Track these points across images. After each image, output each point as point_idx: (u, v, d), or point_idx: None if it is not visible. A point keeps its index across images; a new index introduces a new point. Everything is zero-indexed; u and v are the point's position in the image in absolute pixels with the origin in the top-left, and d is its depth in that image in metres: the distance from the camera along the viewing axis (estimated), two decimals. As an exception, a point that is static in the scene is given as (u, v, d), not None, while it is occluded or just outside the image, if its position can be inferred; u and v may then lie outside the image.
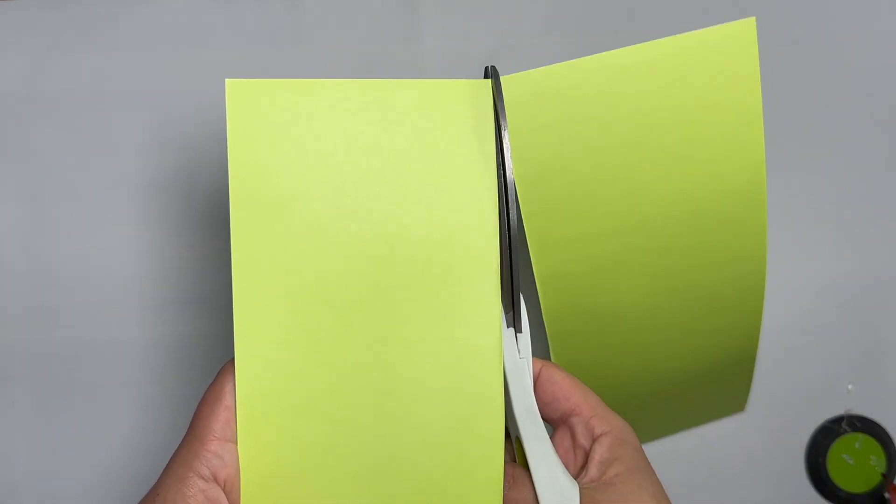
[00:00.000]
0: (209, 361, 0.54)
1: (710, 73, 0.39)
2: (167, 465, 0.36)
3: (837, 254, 0.54)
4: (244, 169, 0.36)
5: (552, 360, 0.43)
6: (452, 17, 0.55)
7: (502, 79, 0.37)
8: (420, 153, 0.37)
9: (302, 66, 0.55)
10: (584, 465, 0.36)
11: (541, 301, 0.41)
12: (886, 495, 0.52)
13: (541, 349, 0.41)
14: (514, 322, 0.37)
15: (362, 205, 0.36)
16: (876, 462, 0.53)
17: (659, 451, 0.53)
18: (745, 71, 0.39)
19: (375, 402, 0.36)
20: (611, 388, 0.44)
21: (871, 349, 0.54)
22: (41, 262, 0.54)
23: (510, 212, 0.36)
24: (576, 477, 0.36)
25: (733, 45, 0.39)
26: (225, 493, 0.35)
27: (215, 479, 0.35)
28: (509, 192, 0.36)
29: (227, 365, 0.37)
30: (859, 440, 0.53)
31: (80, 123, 0.55)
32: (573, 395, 0.37)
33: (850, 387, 0.53)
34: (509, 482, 0.36)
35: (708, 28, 0.39)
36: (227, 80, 0.36)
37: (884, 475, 0.52)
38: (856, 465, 0.53)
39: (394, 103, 0.37)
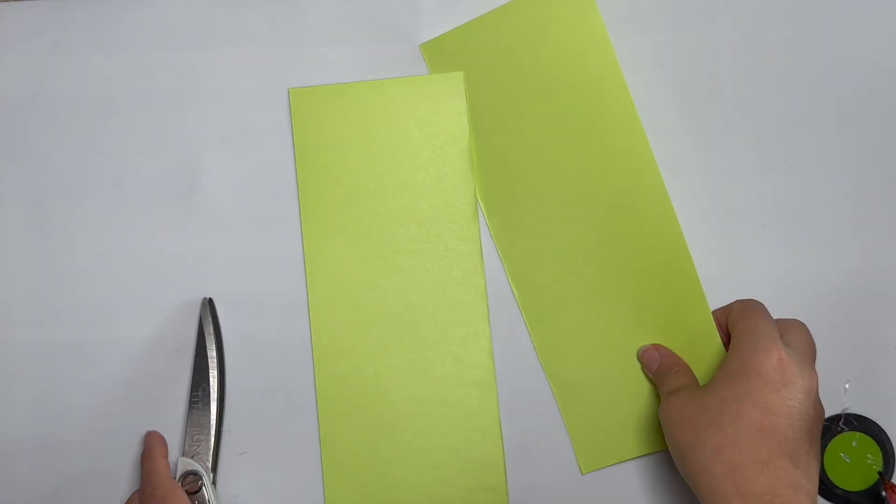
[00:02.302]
0: (209, 361, 0.54)
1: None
2: None
3: (835, 253, 0.54)
4: (307, 152, 0.55)
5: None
6: (452, 17, 0.55)
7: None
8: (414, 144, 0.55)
9: (302, 66, 0.55)
10: None
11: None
12: (883, 493, 0.52)
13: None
14: None
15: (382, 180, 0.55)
16: (873, 460, 0.53)
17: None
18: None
19: (398, 281, 0.54)
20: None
21: (868, 348, 0.54)
22: (41, 262, 0.54)
23: None
24: None
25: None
26: None
27: None
28: None
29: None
30: (856, 439, 0.53)
31: (80, 123, 0.55)
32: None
33: (846, 385, 0.54)
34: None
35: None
36: (290, 89, 0.54)
37: (880, 473, 0.53)
38: (853, 463, 0.53)
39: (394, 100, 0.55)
